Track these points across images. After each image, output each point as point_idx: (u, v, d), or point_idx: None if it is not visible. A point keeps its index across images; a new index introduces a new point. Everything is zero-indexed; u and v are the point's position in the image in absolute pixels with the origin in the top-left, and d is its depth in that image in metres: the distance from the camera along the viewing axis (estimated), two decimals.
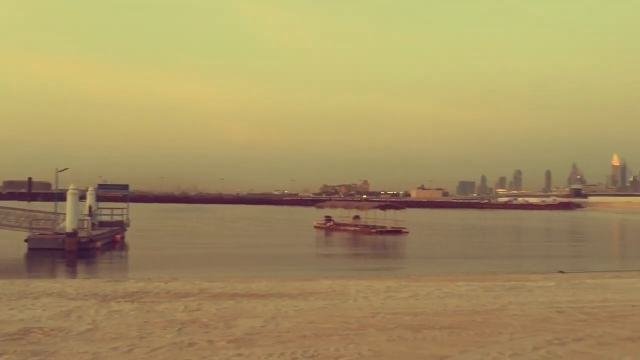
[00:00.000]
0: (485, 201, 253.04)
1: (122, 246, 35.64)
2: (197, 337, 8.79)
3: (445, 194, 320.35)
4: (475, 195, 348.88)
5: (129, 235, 39.05)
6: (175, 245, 37.64)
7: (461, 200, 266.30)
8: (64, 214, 30.92)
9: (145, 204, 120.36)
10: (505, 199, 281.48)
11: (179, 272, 20.86)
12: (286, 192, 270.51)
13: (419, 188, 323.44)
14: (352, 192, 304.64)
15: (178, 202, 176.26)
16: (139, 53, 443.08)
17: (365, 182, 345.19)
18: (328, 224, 56.28)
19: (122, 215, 39.90)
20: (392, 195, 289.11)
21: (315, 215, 61.74)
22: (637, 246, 50.41)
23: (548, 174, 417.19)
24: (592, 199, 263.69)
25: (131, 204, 42.25)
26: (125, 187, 44.40)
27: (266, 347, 8.22)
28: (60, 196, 33.17)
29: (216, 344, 8.37)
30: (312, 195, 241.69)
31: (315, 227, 57.03)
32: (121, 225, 38.75)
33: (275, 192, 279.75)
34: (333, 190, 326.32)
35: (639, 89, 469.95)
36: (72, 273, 24.33)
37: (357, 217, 57.52)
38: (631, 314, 11.70)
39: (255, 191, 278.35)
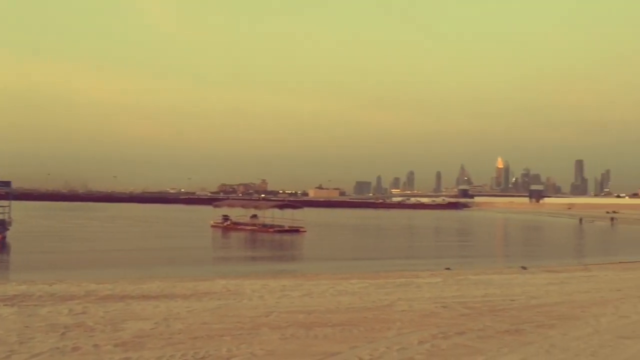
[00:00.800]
0: (380, 201, 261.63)
1: (3, 247, 33.38)
2: (82, 341, 8.40)
3: (343, 194, 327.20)
4: (371, 195, 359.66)
5: (11, 236, 36.62)
6: (62, 246, 35.72)
7: (358, 200, 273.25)
8: None
9: (30, 202, 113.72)
10: (399, 198, 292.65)
11: (65, 274, 19.81)
12: (183, 190, 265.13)
13: (316, 187, 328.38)
14: (251, 191, 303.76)
15: (66, 200, 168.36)
16: (24, 42, 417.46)
17: (264, 181, 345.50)
18: (225, 224, 55.65)
19: (3, 214, 37.42)
20: (290, 194, 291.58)
21: (213, 214, 60.83)
22: (517, 244, 53.78)
23: (438, 175, 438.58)
24: (477, 199, 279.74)
25: (14, 202, 39.56)
26: (8, 183, 41.60)
27: (155, 349, 8.00)
28: None
29: (102, 348, 8.04)
30: (209, 194, 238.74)
31: (212, 226, 56.20)
32: (2, 225, 36.36)
33: (172, 191, 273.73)
34: (231, 189, 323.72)
35: (522, 98, 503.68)
36: None
37: (254, 216, 57.37)
38: (510, 307, 12.43)
39: (150, 189, 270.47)
